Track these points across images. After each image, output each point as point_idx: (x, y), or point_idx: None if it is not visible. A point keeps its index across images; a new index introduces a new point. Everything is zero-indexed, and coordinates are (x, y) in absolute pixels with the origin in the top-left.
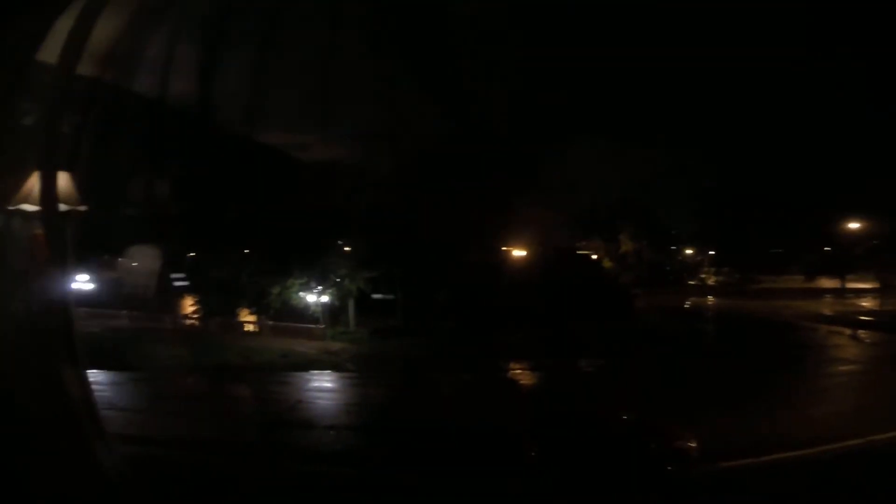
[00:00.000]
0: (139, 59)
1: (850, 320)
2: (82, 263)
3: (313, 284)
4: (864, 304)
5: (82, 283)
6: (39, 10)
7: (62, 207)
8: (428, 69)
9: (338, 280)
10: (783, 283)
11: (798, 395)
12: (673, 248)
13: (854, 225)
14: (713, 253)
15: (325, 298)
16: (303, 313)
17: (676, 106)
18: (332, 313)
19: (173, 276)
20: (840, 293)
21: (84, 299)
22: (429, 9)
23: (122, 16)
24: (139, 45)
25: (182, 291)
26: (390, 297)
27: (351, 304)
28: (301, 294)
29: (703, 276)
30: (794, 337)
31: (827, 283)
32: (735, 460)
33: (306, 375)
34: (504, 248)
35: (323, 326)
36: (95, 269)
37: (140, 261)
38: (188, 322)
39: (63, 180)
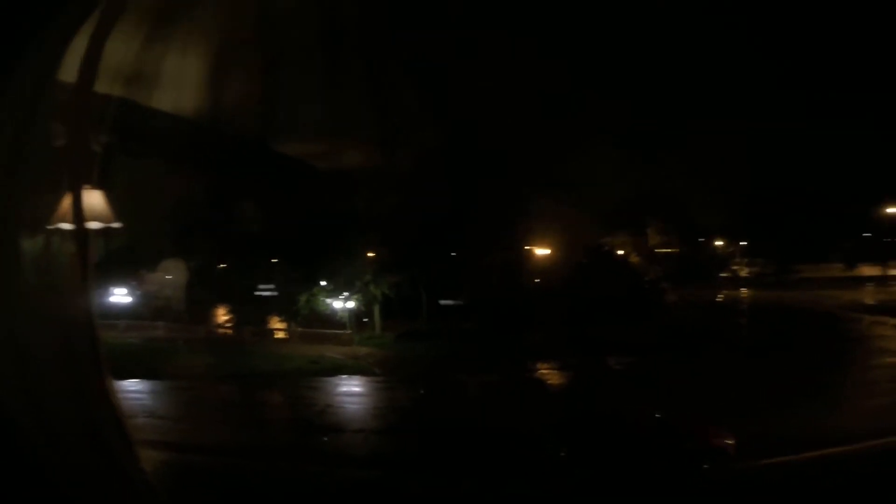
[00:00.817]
0: (158, 75)
1: (894, 309)
2: (119, 278)
3: (339, 290)
4: None
5: (120, 296)
6: (54, 31)
7: (96, 225)
8: (448, 68)
9: (363, 285)
10: (822, 271)
11: (843, 389)
12: (702, 240)
13: (894, 209)
14: (745, 244)
15: (351, 304)
16: (330, 319)
17: (706, 94)
18: (358, 318)
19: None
20: (882, 281)
21: (122, 312)
22: (449, 9)
23: (135, 34)
24: (157, 62)
25: (212, 302)
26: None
27: (377, 309)
28: (328, 300)
29: (735, 267)
30: (837, 328)
31: (868, 270)
32: (776, 457)
33: (335, 380)
34: (528, 247)
35: (350, 332)
36: (132, 282)
37: (174, 273)
38: (221, 331)
39: (96, 198)
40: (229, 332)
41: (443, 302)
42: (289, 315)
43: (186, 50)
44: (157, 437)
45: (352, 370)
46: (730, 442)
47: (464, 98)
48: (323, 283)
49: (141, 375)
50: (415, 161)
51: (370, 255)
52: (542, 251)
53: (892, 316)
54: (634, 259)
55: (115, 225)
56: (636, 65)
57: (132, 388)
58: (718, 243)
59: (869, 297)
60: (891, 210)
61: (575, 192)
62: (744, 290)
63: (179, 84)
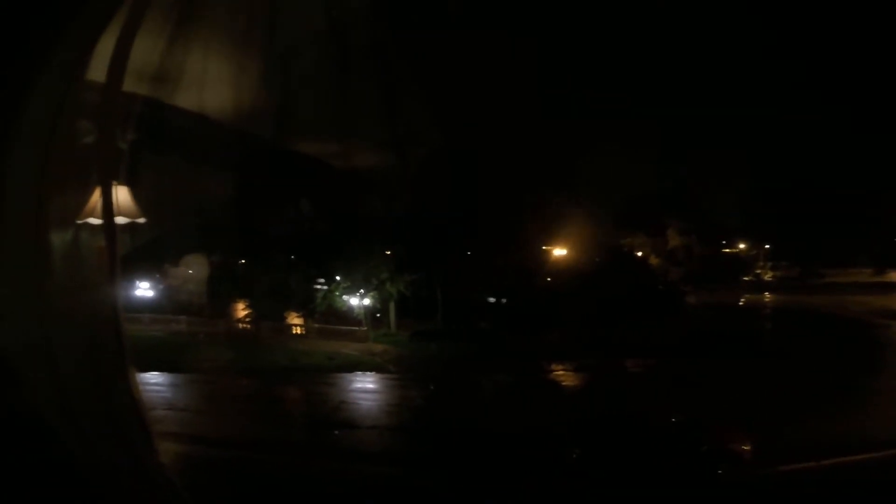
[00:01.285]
0: (181, 73)
1: None
2: (144, 272)
3: (356, 288)
4: None
5: (144, 290)
6: (80, 31)
7: (122, 220)
8: (464, 67)
9: (379, 283)
10: (849, 276)
11: (867, 396)
12: (724, 241)
13: None
14: (769, 246)
15: (367, 301)
16: (347, 316)
17: (731, 91)
18: (374, 316)
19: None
20: None
21: (146, 305)
22: (460, 9)
23: (160, 33)
24: (179, 59)
25: (232, 297)
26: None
27: (392, 307)
28: (345, 297)
29: (758, 270)
30: (863, 334)
31: None
32: (794, 464)
33: (350, 377)
34: (545, 248)
35: (366, 329)
36: (156, 277)
37: (196, 269)
38: (240, 326)
39: (123, 194)
40: (248, 327)
41: (459, 301)
42: (306, 311)
43: (208, 49)
44: (176, 428)
45: (367, 367)
46: (746, 447)
47: (477, 97)
48: (339, 280)
49: (163, 368)
50: (429, 161)
51: (387, 253)
52: (559, 251)
53: None
54: (654, 260)
55: (141, 220)
56: (657, 62)
57: (153, 380)
58: (741, 246)
59: None
60: None
61: (593, 191)
62: (767, 294)
63: (202, 83)
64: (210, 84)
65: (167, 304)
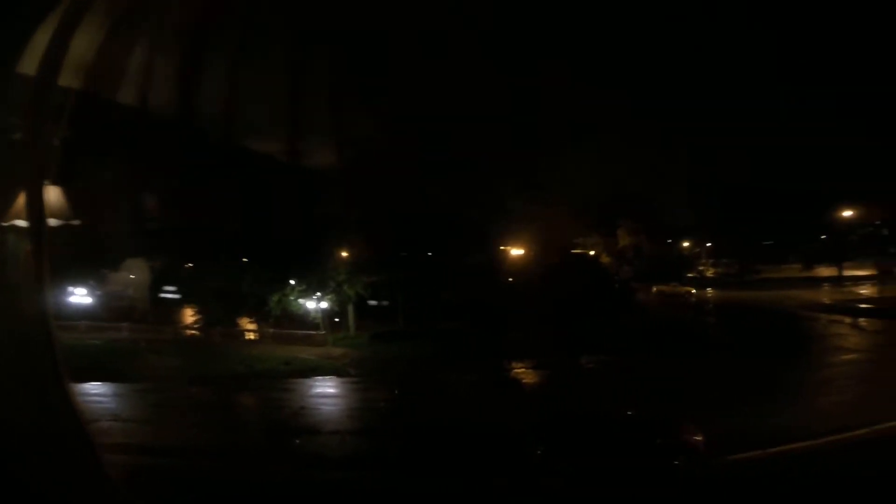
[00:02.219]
0: (124, 70)
1: (849, 308)
2: (80, 277)
3: (312, 291)
4: (862, 291)
5: (80, 296)
6: (13, 24)
7: (53, 222)
8: (419, 70)
9: (337, 286)
10: (782, 272)
11: (804, 385)
12: (670, 241)
13: (848, 212)
14: (710, 245)
15: (324, 304)
16: (303, 320)
17: (672, 99)
18: (332, 319)
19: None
20: (838, 281)
21: (83, 313)
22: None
23: (100, 28)
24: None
25: (178, 302)
26: (387, 302)
27: (351, 310)
28: (301, 301)
29: (701, 267)
30: (797, 327)
31: (825, 271)
32: (743, 453)
33: (309, 382)
34: (502, 248)
35: (324, 332)
36: (94, 282)
37: (137, 273)
38: (189, 332)
39: (55, 194)
40: (197, 333)
41: (420, 302)
42: (260, 316)
43: (153, 44)
44: (124, 440)
45: (326, 371)
46: (698, 438)
47: (433, 98)
48: (294, 283)
49: (105, 378)
50: (388, 160)
51: (344, 254)
52: (517, 252)
53: (847, 315)
54: (606, 259)
55: (75, 222)
56: (605, 65)
57: (95, 391)
58: (685, 244)
59: (826, 296)
60: (846, 213)
61: (549, 193)
62: (710, 290)
63: (146, 79)
64: (154, 79)
65: (107, 311)
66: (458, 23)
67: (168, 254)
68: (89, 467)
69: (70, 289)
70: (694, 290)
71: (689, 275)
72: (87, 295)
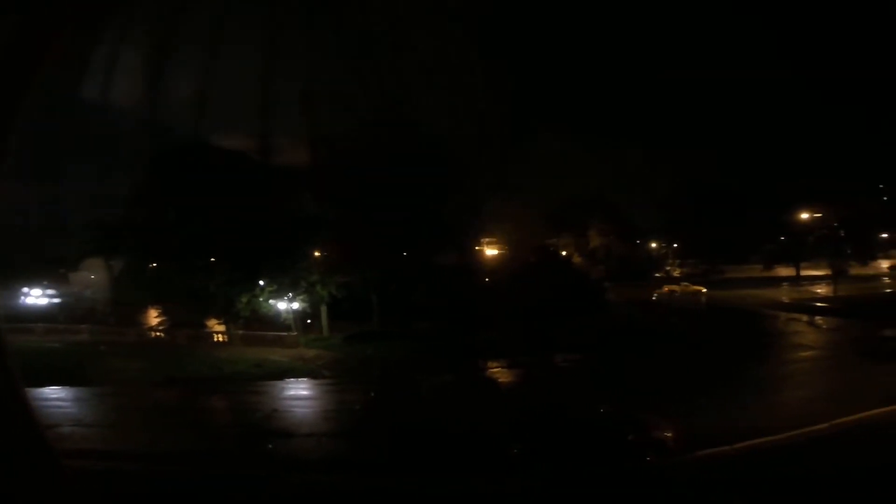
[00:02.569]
0: (88, 64)
1: (806, 307)
2: (36, 278)
3: (284, 291)
4: (818, 290)
5: (35, 298)
6: None
7: None
8: (395, 67)
9: (309, 286)
10: (744, 272)
11: (766, 382)
12: (639, 241)
13: (805, 215)
14: (677, 245)
15: (296, 305)
16: (274, 321)
17: (642, 104)
18: (304, 320)
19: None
20: (796, 281)
21: (40, 314)
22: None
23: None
24: (87, 48)
25: (142, 303)
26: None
27: (324, 310)
28: (271, 301)
29: (668, 267)
30: (758, 325)
31: (783, 271)
32: (711, 448)
33: (281, 384)
34: (477, 248)
35: (296, 334)
36: (49, 283)
37: (97, 273)
38: (153, 334)
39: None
40: (162, 335)
41: (394, 302)
42: (229, 317)
43: (122, 41)
44: (86, 445)
45: (299, 373)
46: (668, 434)
47: (409, 97)
48: (265, 283)
49: (65, 382)
50: (361, 159)
51: (317, 254)
52: (492, 252)
53: (805, 313)
54: (577, 259)
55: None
56: (577, 66)
57: (54, 395)
58: (653, 244)
59: (784, 295)
60: (804, 215)
61: (523, 193)
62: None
63: (112, 75)
64: (118, 74)
65: (65, 313)
66: (435, 21)
67: (132, 253)
68: (48, 474)
69: (25, 290)
70: (704, 290)
71: (657, 274)
72: (44, 296)
